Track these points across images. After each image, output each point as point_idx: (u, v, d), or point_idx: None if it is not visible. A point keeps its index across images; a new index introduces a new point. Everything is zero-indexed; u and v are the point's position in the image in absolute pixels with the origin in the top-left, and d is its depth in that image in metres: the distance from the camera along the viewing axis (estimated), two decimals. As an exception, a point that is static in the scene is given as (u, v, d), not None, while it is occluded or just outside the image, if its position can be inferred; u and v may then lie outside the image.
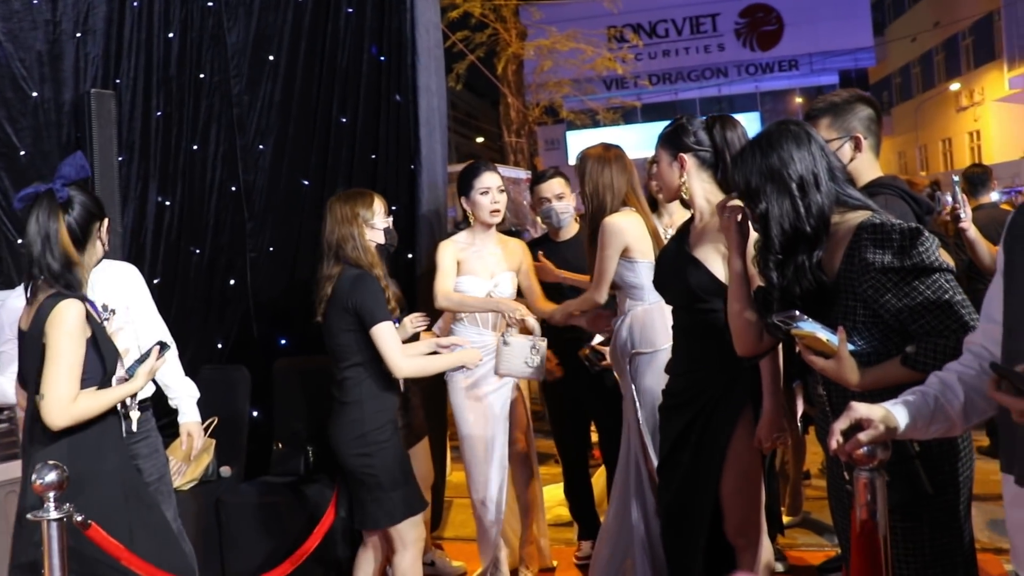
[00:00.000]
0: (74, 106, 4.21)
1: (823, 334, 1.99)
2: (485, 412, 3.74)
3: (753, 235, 2.31)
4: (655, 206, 3.83)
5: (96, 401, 2.57)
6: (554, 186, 4.12)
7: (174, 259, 4.44)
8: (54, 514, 2.22)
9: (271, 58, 4.49)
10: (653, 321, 3.34)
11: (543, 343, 3.67)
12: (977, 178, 5.88)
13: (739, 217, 2.36)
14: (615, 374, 3.89)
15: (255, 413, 4.28)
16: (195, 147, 4.51)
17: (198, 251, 4.49)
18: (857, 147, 2.66)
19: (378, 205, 3.32)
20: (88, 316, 2.57)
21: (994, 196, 6.00)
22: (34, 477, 2.24)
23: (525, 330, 3.66)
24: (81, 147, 4.08)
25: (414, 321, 3.59)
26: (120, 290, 3.29)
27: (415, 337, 3.61)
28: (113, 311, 3.23)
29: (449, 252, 3.76)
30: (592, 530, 4.15)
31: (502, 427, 3.75)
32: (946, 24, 27.51)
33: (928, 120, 30.53)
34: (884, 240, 2.01)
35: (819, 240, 2.11)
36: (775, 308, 2.15)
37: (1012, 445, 1.57)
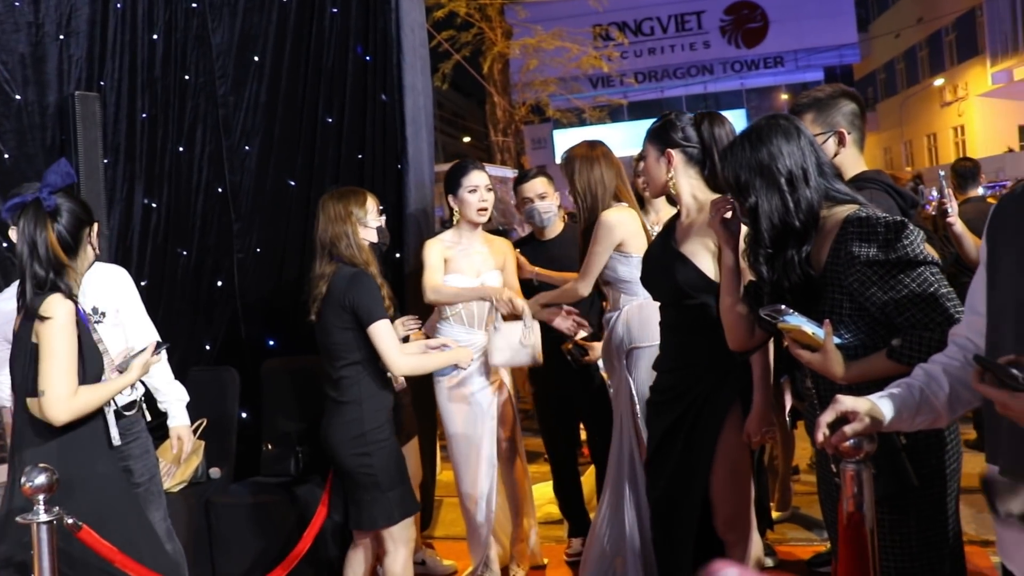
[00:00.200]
0: (58, 108, 4.19)
1: (809, 327, 2.00)
2: (472, 411, 3.74)
3: (744, 229, 2.32)
4: (642, 203, 3.84)
5: (95, 394, 2.58)
6: (536, 186, 4.12)
7: (161, 261, 4.42)
8: (44, 516, 2.22)
9: (256, 59, 4.48)
10: (650, 315, 3.33)
11: (535, 324, 3.63)
12: (968, 172, 5.93)
13: (727, 213, 2.37)
14: (602, 371, 3.91)
15: (244, 414, 4.28)
16: (181, 148, 4.50)
17: (185, 253, 4.48)
18: (841, 142, 2.67)
19: (371, 204, 3.32)
20: (78, 322, 2.57)
21: (980, 190, 6.05)
22: (23, 480, 2.24)
23: (514, 316, 3.65)
24: (66, 150, 4.06)
25: (406, 323, 3.60)
26: (110, 293, 3.28)
27: (405, 339, 3.61)
28: (104, 314, 3.22)
29: (436, 249, 3.76)
30: (582, 527, 4.16)
31: (489, 425, 3.75)
32: (929, 20, 27.67)
33: (913, 115, 30.70)
34: (870, 233, 2.02)
35: (808, 235, 2.12)
36: (765, 302, 2.16)
37: (996, 436, 1.59)
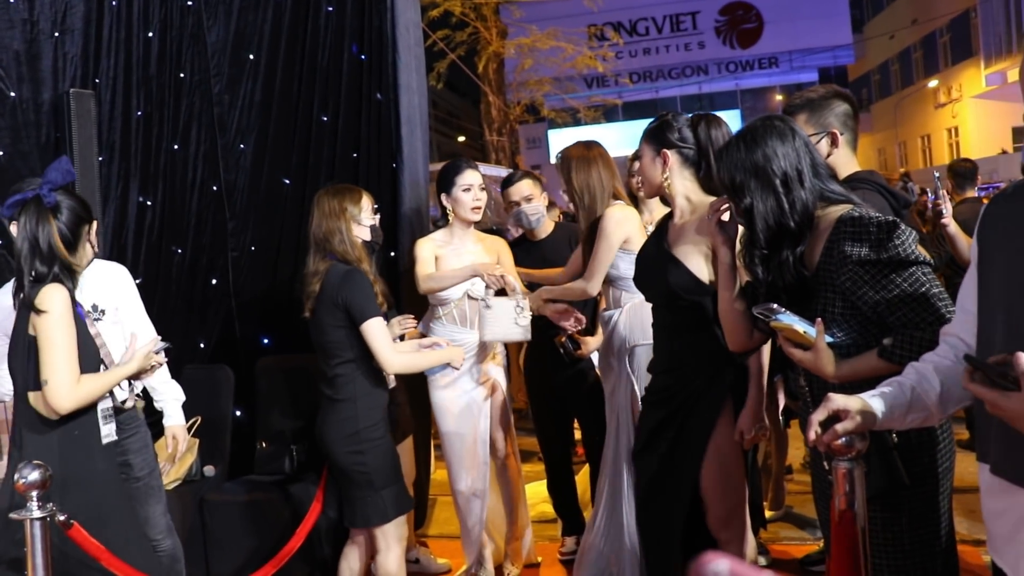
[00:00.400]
0: (53, 106, 4.18)
1: (800, 326, 2.02)
2: (465, 409, 3.75)
3: (739, 230, 2.33)
4: (636, 203, 3.85)
5: (97, 383, 2.59)
6: (522, 188, 4.12)
7: (156, 259, 4.42)
8: (37, 513, 2.22)
9: (251, 57, 4.48)
10: (651, 313, 3.35)
11: (527, 301, 3.62)
12: (967, 172, 5.97)
13: (725, 215, 2.37)
14: (597, 369, 3.92)
15: (238, 412, 4.28)
16: (176, 147, 4.50)
17: (180, 251, 4.48)
18: (834, 143, 2.69)
19: (366, 202, 3.32)
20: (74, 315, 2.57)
21: (976, 191, 6.09)
22: (16, 476, 2.25)
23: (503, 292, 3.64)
24: (61, 147, 4.06)
25: (401, 323, 3.61)
26: (110, 290, 3.30)
27: (401, 338, 3.62)
28: (103, 311, 3.24)
29: (427, 247, 3.76)
30: (576, 526, 4.17)
31: (483, 424, 3.76)
32: (924, 21, 27.75)
33: (907, 117, 30.78)
34: (862, 233, 2.04)
35: (802, 236, 2.14)
36: (760, 301, 2.17)
37: (987, 435, 1.60)
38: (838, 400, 1.74)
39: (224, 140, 4.51)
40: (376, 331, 3.10)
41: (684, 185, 2.87)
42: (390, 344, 3.15)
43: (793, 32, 28.68)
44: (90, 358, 2.65)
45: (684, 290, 2.76)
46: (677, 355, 2.84)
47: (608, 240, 3.41)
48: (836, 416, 1.74)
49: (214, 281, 4.52)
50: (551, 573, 4.03)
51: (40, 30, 4.19)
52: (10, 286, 2.72)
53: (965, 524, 4.03)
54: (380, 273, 3.93)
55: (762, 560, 3.89)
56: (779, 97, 30.75)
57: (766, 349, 2.74)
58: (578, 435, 4.57)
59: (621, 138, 19.25)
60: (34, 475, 2.24)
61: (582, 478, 4.48)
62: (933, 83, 28.07)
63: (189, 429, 3.62)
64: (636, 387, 3.39)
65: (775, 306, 2.05)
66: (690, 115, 2.94)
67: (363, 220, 3.28)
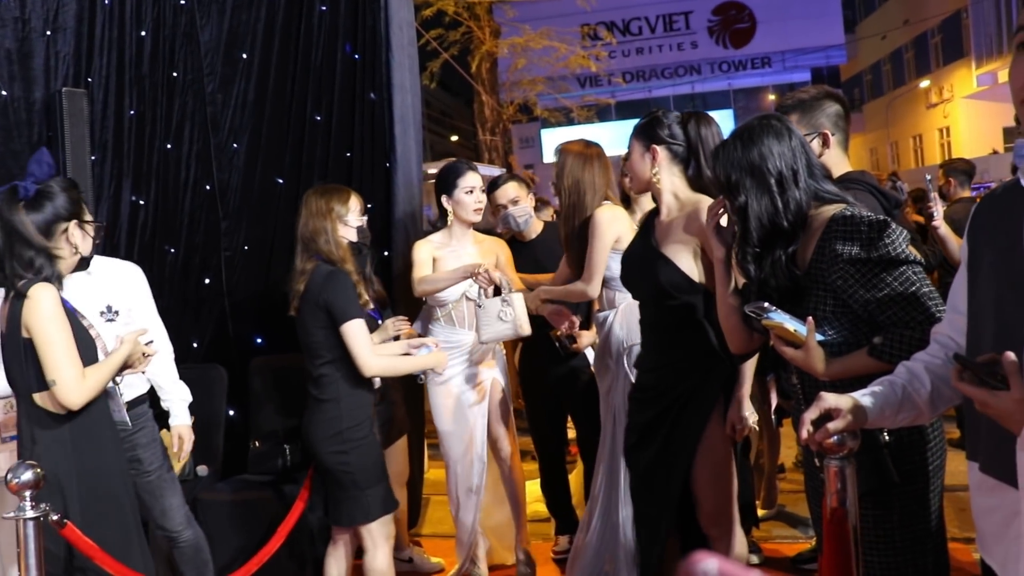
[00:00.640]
0: (45, 105, 4.18)
1: (791, 324, 2.03)
2: (462, 408, 3.75)
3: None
4: (628, 203, 3.86)
5: (101, 372, 2.61)
6: (508, 191, 4.11)
7: (148, 258, 4.41)
8: (30, 513, 2.22)
9: (244, 56, 4.47)
10: None
11: (516, 296, 3.61)
12: (967, 172, 6.00)
13: (723, 220, 2.36)
14: (593, 368, 3.92)
15: (231, 412, 4.27)
16: (169, 146, 4.49)
17: (172, 250, 4.47)
18: (825, 143, 2.70)
19: (354, 202, 3.32)
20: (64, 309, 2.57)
21: (970, 191, 6.12)
22: (9, 476, 2.25)
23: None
24: (53, 146, 4.05)
25: (396, 323, 3.61)
26: (125, 291, 3.32)
27: (396, 338, 3.62)
28: (117, 312, 3.25)
29: (424, 249, 3.77)
30: (569, 526, 4.18)
31: (480, 423, 3.77)
32: (915, 22, 27.83)
33: (899, 117, 30.87)
34: (853, 232, 2.05)
35: (796, 235, 2.15)
36: (751, 300, 2.18)
37: (976, 433, 1.61)
38: (830, 399, 1.75)
39: (217, 139, 4.50)
40: (355, 333, 3.10)
41: (672, 182, 2.87)
42: (369, 346, 3.14)
43: (785, 32, 28.73)
44: (88, 349, 2.65)
45: (675, 288, 2.76)
46: (667, 353, 2.84)
47: (602, 240, 3.41)
48: (828, 415, 1.75)
49: (207, 280, 4.51)
50: (544, 572, 4.03)
51: (32, 28, 4.18)
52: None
53: (956, 522, 4.05)
54: (376, 272, 3.95)
55: (754, 558, 3.91)
56: (772, 97, 30.80)
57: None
58: (572, 434, 4.58)
59: (614, 138, 19.23)
60: (27, 475, 2.24)
61: (575, 477, 4.49)
62: (925, 83, 28.16)
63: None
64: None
65: (766, 304, 2.06)
66: (680, 112, 2.95)
67: (350, 220, 3.28)
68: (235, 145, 4.50)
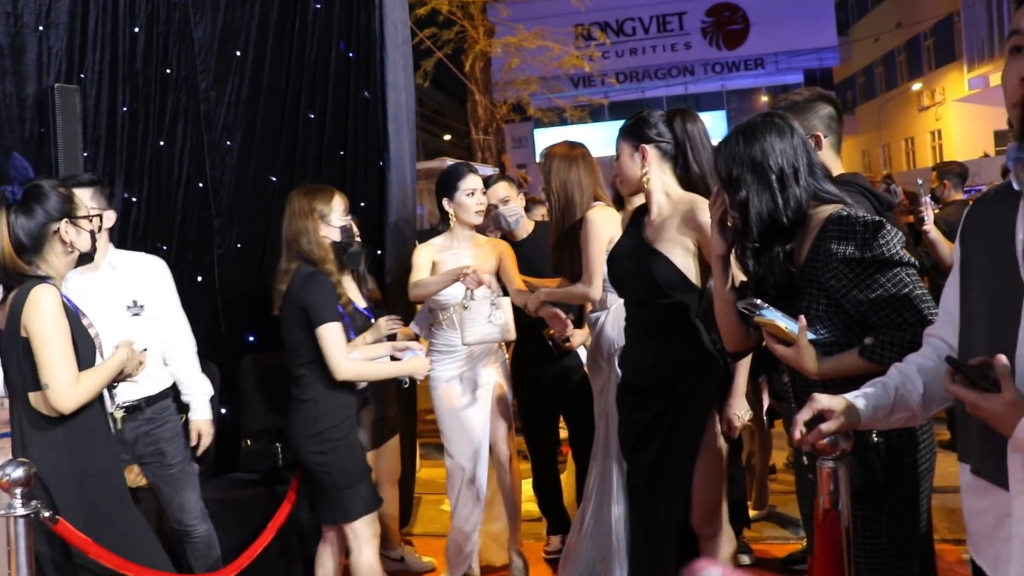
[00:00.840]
0: (37, 101, 4.16)
1: (783, 322, 2.04)
2: (465, 411, 3.73)
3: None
4: (622, 204, 3.86)
5: (96, 377, 2.60)
6: (499, 191, 4.12)
7: (140, 256, 4.40)
8: (20, 511, 2.21)
9: (238, 53, 4.46)
10: None
11: (504, 300, 3.62)
12: (960, 175, 6.03)
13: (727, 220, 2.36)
14: (585, 368, 3.92)
15: (223, 410, 4.26)
16: (162, 143, 4.47)
17: (165, 247, 4.45)
18: (817, 145, 2.71)
19: (338, 202, 3.32)
20: (64, 307, 2.56)
21: (962, 194, 6.16)
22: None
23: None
24: (45, 142, 4.04)
25: (388, 323, 3.61)
26: (149, 285, 3.35)
27: (392, 337, 3.62)
28: (142, 307, 3.28)
29: (425, 253, 3.76)
30: (561, 526, 4.18)
31: (483, 427, 3.75)
32: (908, 25, 27.94)
33: (891, 119, 30.97)
34: (848, 232, 2.06)
35: (794, 232, 2.15)
36: (748, 296, 2.19)
37: (968, 436, 1.62)
38: (823, 400, 1.76)
39: (210, 136, 4.49)
40: (329, 336, 3.10)
41: (663, 180, 2.88)
42: (343, 350, 3.14)
43: (779, 34, 28.77)
44: (87, 350, 2.64)
45: (670, 286, 2.76)
46: (660, 354, 2.84)
47: (597, 241, 3.41)
48: (821, 416, 1.75)
49: (200, 278, 4.50)
50: (536, 572, 4.03)
51: (24, 24, 4.16)
52: None
53: (946, 523, 4.07)
54: (369, 271, 3.94)
55: (745, 559, 3.92)
56: (764, 98, 30.83)
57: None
58: (564, 434, 4.58)
59: (607, 138, 19.13)
60: (18, 472, 2.23)
61: (567, 477, 4.49)
62: (917, 86, 28.27)
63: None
64: None
65: (759, 301, 2.07)
66: (664, 111, 2.95)
67: (333, 220, 3.28)
68: (228, 142, 4.49)
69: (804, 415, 1.76)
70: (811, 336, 2.07)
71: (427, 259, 3.74)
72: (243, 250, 4.48)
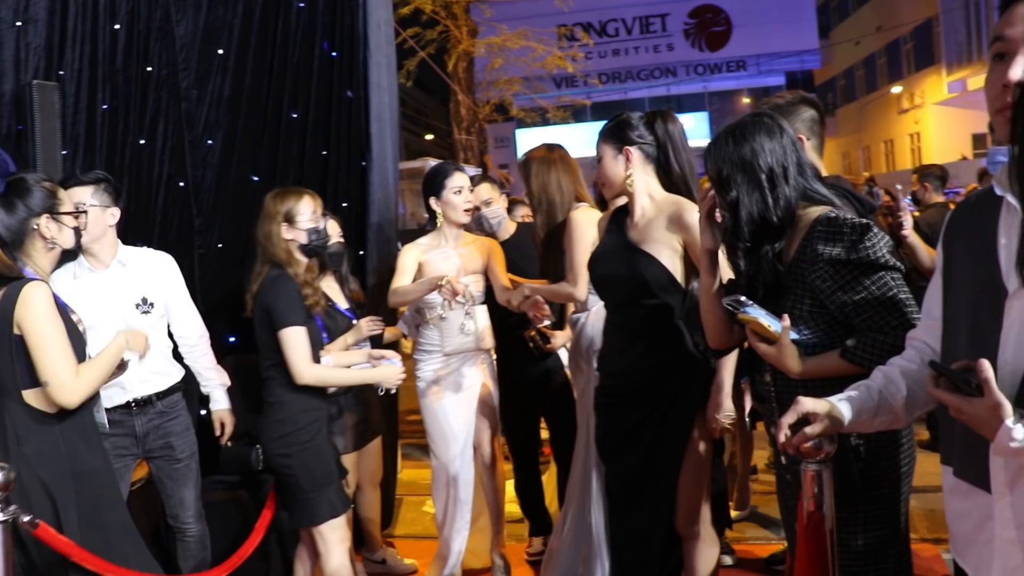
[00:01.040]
0: (15, 98, 4.12)
1: (766, 320, 2.05)
2: (451, 413, 3.71)
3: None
4: (605, 205, 3.86)
5: (96, 368, 2.61)
6: (482, 192, 4.10)
7: (120, 255, 4.35)
8: None
9: (220, 52, 4.43)
10: None
11: (479, 309, 3.61)
12: (940, 177, 6.08)
13: (717, 216, 2.35)
14: (568, 370, 3.92)
15: (204, 412, 4.22)
16: (142, 141, 4.43)
17: (145, 247, 4.41)
18: (800, 147, 2.71)
19: (307, 204, 3.28)
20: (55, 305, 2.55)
21: (942, 197, 6.22)
22: None
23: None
24: (23, 139, 4.00)
25: (370, 324, 3.59)
26: (159, 282, 3.37)
27: (380, 340, 3.60)
28: (152, 304, 3.30)
29: (410, 254, 3.73)
30: (543, 527, 4.18)
31: (468, 429, 3.73)
32: (888, 29, 28.17)
33: (871, 121, 31.23)
34: (835, 233, 2.07)
35: (784, 231, 2.16)
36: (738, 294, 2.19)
37: (951, 439, 1.63)
38: (807, 404, 1.76)
39: (192, 136, 4.45)
40: (290, 340, 3.09)
41: (647, 182, 2.88)
42: (305, 354, 3.12)
43: (761, 36, 28.93)
44: (78, 346, 2.63)
45: (659, 286, 2.76)
46: (645, 356, 2.83)
47: (582, 242, 3.41)
48: (805, 419, 1.76)
49: (180, 278, 4.46)
50: (518, 574, 4.02)
51: (1, 19, 4.13)
52: None
53: (925, 523, 4.10)
54: (352, 272, 3.93)
55: (727, 560, 3.93)
56: (746, 100, 31.03)
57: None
58: (545, 435, 4.58)
59: (590, 138, 19.05)
60: (-2, 477, 2.20)
61: (549, 478, 4.49)
62: (896, 89, 28.52)
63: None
64: None
65: (743, 299, 2.08)
66: (642, 113, 2.95)
67: (300, 223, 3.25)
68: (210, 142, 4.45)
69: (789, 418, 1.76)
70: (794, 336, 2.08)
71: (412, 260, 3.71)
72: (224, 250, 4.45)
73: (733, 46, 30.06)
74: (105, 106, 4.37)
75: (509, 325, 3.90)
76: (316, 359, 3.20)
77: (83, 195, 3.14)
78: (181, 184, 4.46)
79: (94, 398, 2.70)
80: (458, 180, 3.71)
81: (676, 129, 2.89)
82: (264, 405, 3.23)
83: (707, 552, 2.90)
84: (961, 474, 1.59)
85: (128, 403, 3.27)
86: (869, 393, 1.79)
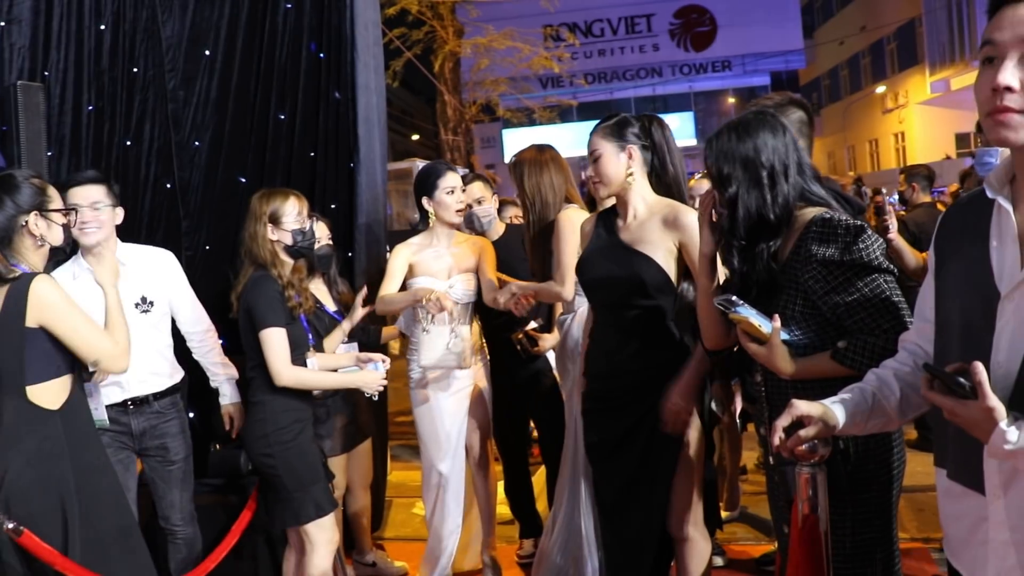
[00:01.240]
0: (-1, 99, 4.08)
1: (757, 320, 2.05)
2: (443, 414, 3.70)
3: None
4: (594, 205, 3.86)
5: (117, 328, 2.72)
6: (474, 191, 4.10)
7: (106, 257, 4.32)
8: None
9: (207, 53, 4.40)
10: None
11: (463, 328, 3.60)
12: (927, 177, 6.11)
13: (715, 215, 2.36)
14: (556, 372, 3.92)
15: (191, 415, 4.19)
16: (128, 143, 4.40)
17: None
18: (789, 149, 2.72)
19: (292, 205, 3.27)
20: None
21: (929, 196, 6.25)
22: None
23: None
24: (7, 141, 3.96)
25: (351, 323, 3.58)
26: (160, 281, 3.38)
27: (377, 339, 3.58)
28: (152, 303, 3.30)
29: (401, 256, 3.70)
30: (533, 528, 4.17)
31: (460, 430, 3.72)
32: (872, 29, 28.35)
33: (855, 121, 31.41)
34: (829, 234, 2.07)
35: (780, 230, 2.16)
36: (732, 293, 2.18)
37: (944, 441, 1.63)
38: (801, 406, 1.76)
39: (178, 137, 4.42)
40: (270, 341, 3.10)
41: (642, 184, 2.88)
42: (284, 356, 3.12)
43: (746, 36, 29.07)
44: None
45: (655, 287, 2.75)
46: (638, 358, 2.82)
47: (569, 242, 3.40)
48: (799, 422, 1.76)
49: (167, 280, 4.43)
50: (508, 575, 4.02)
51: (-14, 20, 4.09)
52: None
53: (915, 523, 4.12)
54: (340, 274, 3.91)
55: (719, 560, 3.94)
56: (731, 100, 31.15)
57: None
58: (535, 435, 4.58)
59: (576, 138, 19.25)
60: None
61: (538, 479, 4.48)
62: (881, 89, 28.70)
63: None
64: None
65: (734, 298, 2.08)
66: (636, 116, 2.96)
67: (285, 224, 3.24)
68: (197, 143, 4.42)
69: (783, 421, 1.76)
70: (785, 336, 2.08)
71: (402, 263, 3.68)
72: (212, 252, 4.42)
73: (718, 46, 30.20)
74: (91, 107, 4.34)
75: (496, 327, 3.89)
76: (301, 361, 3.20)
77: (98, 194, 3.19)
78: (168, 186, 4.43)
79: (94, 396, 2.70)
80: (451, 180, 3.70)
81: (670, 136, 2.92)
82: (248, 406, 3.26)
83: (699, 553, 2.90)
84: (955, 476, 1.60)
85: (125, 402, 3.28)
86: (863, 396, 1.79)
